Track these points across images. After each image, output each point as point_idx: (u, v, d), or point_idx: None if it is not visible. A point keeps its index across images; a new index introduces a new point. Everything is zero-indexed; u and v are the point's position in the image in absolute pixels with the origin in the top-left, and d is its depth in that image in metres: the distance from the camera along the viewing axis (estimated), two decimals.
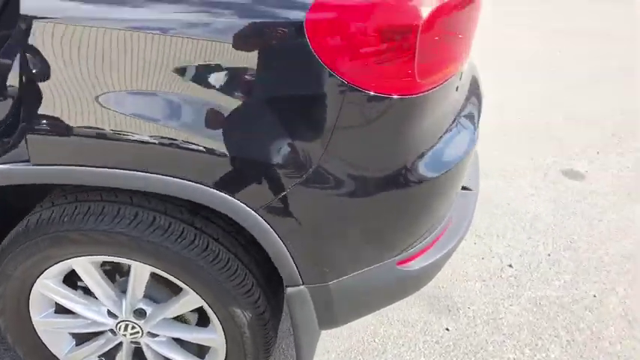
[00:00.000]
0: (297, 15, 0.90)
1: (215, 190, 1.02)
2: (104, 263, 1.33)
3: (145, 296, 1.32)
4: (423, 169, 1.08)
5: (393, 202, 1.09)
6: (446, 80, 1.07)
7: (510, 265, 2.28)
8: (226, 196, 1.03)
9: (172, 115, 0.98)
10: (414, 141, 1.06)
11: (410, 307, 2.03)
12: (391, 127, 1.01)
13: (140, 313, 1.33)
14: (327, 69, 0.92)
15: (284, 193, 1.03)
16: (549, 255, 2.35)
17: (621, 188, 2.91)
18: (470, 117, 1.34)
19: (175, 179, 1.02)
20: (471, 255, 2.34)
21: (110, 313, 1.35)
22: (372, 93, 0.95)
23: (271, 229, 1.06)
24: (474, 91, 1.51)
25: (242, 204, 1.03)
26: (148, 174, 1.02)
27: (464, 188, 1.53)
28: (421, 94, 0.99)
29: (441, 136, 1.14)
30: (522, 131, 3.52)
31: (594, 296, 2.12)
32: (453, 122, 1.20)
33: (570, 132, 3.54)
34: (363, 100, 0.96)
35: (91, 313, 1.36)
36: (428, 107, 1.04)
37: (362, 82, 0.94)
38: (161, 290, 1.33)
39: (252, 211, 1.04)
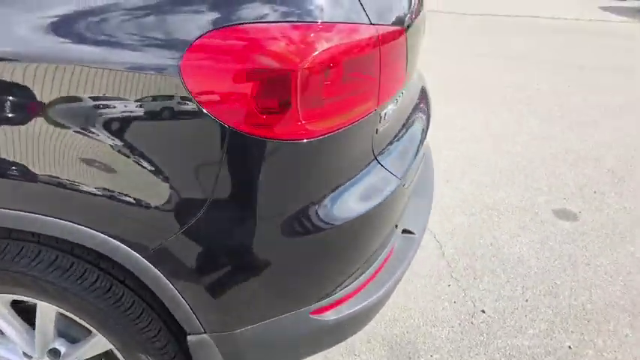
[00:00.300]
0: (175, 56, 0.87)
1: (99, 233, 0.99)
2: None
3: (61, 335, 1.28)
4: (322, 215, 1.02)
5: (290, 250, 1.03)
6: (355, 121, 1.02)
7: (483, 311, 2.16)
8: (110, 239, 0.99)
9: (53, 155, 0.96)
10: (311, 186, 1.01)
11: (369, 351, 1.93)
12: (281, 172, 0.96)
13: (55, 353, 1.29)
14: (209, 113, 0.89)
15: (172, 238, 0.98)
16: (527, 301, 2.22)
17: (615, 230, 2.76)
18: (403, 153, 1.28)
19: (58, 220, 0.99)
20: (442, 298, 2.23)
21: (25, 353, 1.32)
22: (256, 137, 0.91)
23: (161, 275, 1.01)
24: (419, 111, 1.48)
25: (128, 248, 0.99)
26: (27, 213, 0.99)
27: (406, 231, 1.46)
28: (314, 139, 0.95)
29: (351, 178, 1.09)
30: (517, 166, 3.41)
31: (569, 347, 1.98)
32: (370, 162, 1.14)
33: (567, 169, 3.41)
34: (248, 144, 0.92)
35: (6, 352, 1.33)
36: (326, 151, 0.99)
37: (244, 126, 0.90)
38: (77, 330, 1.29)
39: (139, 256, 1.00)
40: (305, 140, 0.94)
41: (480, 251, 2.54)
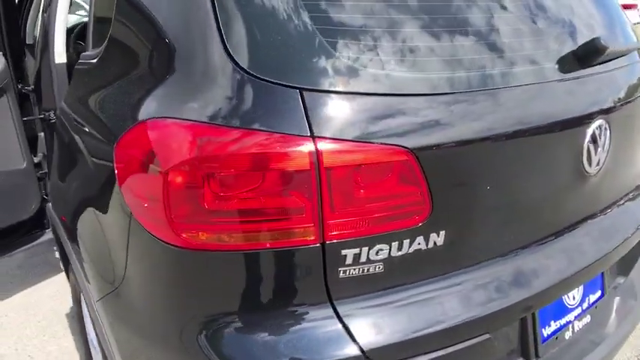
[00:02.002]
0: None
1: None
2: None
3: None
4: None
5: None
6: (270, 247, 0.89)
7: None
8: None
9: None
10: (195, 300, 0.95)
11: None
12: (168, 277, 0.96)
13: None
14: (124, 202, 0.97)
15: None
16: None
17: None
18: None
19: None
20: None
21: None
22: (147, 233, 0.93)
23: None
24: None
25: None
26: None
27: None
28: (189, 250, 0.90)
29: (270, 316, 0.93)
30: None
31: None
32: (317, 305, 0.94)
33: None
34: (144, 239, 0.95)
35: None
36: (211, 267, 0.92)
37: (139, 219, 0.95)
38: None
39: None
40: (181, 249, 0.90)
41: None
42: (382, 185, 0.91)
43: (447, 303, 1.02)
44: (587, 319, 1.37)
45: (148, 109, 0.97)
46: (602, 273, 1.42)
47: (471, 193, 1.01)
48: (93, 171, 1.19)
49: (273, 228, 0.89)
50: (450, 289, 1.03)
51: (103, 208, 1.10)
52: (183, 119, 0.89)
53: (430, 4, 1.03)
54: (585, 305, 1.37)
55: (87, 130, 1.27)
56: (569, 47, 1.18)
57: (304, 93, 0.87)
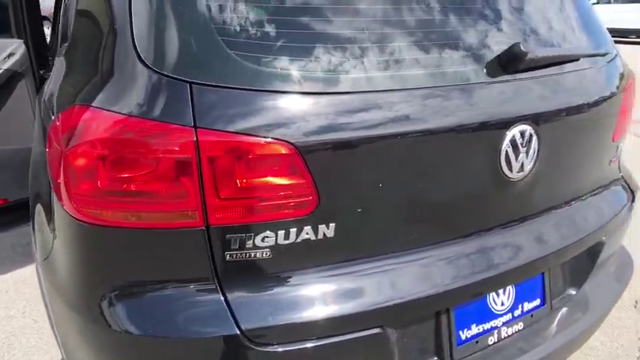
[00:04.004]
0: None
1: None
2: None
3: None
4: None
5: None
6: (157, 227, 0.98)
7: None
8: None
9: None
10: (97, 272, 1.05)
11: None
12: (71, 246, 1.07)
13: None
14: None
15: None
16: None
17: None
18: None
19: None
20: None
21: None
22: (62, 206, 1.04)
23: None
24: None
25: None
26: None
27: None
28: (88, 224, 0.99)
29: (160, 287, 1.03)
30: None
31: None
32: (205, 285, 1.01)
33: None
34: (60, 212, 1.07)
35: None
36: (106, 241, 1.01)
37: (56, 192, 1.06)
38: None
39: None
40: (83, 223, 1.00)
41: None
42: (265, 176, 0.97)
43: (337, 293, 1.06)
44: (518, 326, 1.35)
45: (67, 97, 1.10)
46: (543, 281, 1.40)
47: (363, 188, 1.04)
48: (38, 150, 1.34)
49: (161, 210, 0.97)
50: (342, 279, 1.07)
51: (43, 185, 1.23)
52: (87, 105, 0.99)
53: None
54: (518, 312, 1.35)
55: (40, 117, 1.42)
56: (497, 51, 1.18)
57: (193, 87, 0.94)
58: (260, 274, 1.03)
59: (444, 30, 1.14)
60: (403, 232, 1.12)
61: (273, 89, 0.97)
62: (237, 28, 0.99)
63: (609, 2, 15.58)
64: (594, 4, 15.85)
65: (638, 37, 15.01)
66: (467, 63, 1.14)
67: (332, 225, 1.02)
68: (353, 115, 1.00)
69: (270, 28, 1.01)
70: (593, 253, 1.49)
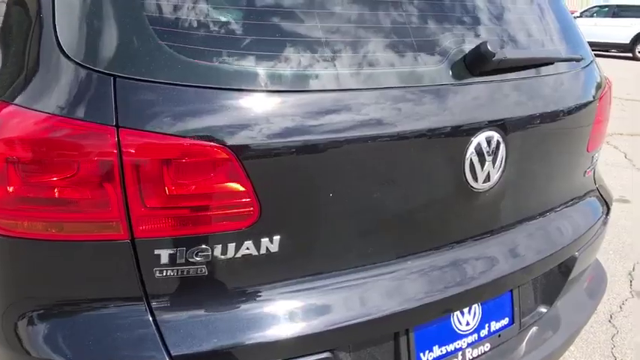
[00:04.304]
0: None
1: None
2: None
3: None
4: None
5: None
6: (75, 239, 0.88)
7: None
8: None
9: None
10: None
11: None
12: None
13: None
14: None
15: None
16: None
17: None
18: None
19: None
20: None
21: None
22: None
23: None
24: None
25: None
26: None
27: None
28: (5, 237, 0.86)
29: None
30: None
31: None
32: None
33: None
34: None
35: None
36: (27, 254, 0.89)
37: None
38: None
39: None
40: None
41: None
42: (198, 184, 0.86)
43: (282, 314, 0.95)
44: (484, 347, 1.26)
45: None
46: (512, 299, 1.31)
47: (312, 198, 0.94)
48: None
49: (82, 220, 0.86)
50: (288, 298, 0.96)
51: None
52: (4, 101, 0.87)
53: None
54: (484, 332, 1.26)
55: None
56: (463, 51, 1.09)
57: (117, 81, 0.83)
58: (195, 294, 0.92)
59: (403, 26, 1.04)
60: (358, 246, 1.03)
61: (210, 86, 0.87)
62: (173, 17, 0.89)
63: (592, 16, 15.86)
64: (577, 17, 16.12)
65: (618, 51, 15.29)
66: (429, 63, 1.05)
67: (276, 238, 0.92)
68: (300, 117, 0.91)
69: (207, 18, 0.91)
70: (565, 269, 1.41)
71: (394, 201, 1.03)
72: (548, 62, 1.24)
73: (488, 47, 1.03)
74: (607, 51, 15.72)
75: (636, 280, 2.88)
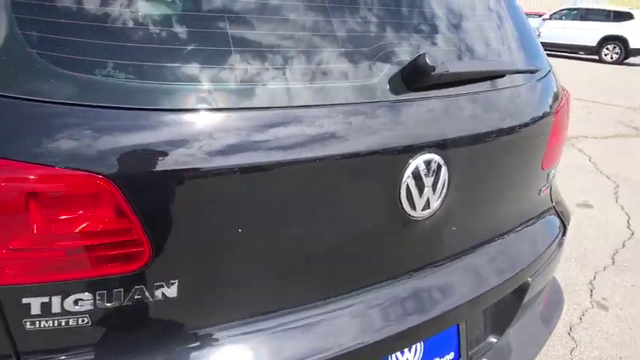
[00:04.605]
0: None
1: None
2: None
3: None
4: None
5: None
6: None
7: None
8: None
9: None
10: None
11: None
12: None
13: None
14: None
15: None
16: None
17: None
18: None
19: None
20: None
21: None
22: None
23: None
24: None
25: None
26: None
27: None
28: None
29: None
30: None
31: None
32: None
33: None
34: None
35: None
36: None
37: None
38: None
39: None
40: None
41: None
42: (73, 221, 0.72)
43: None
44: None
45: None
46: (458, 331, 1.21)
47: (215, 234, 0.81)
48: None
49: None
50: (188, 352, 0.83)
51: None
52: None
53: None
54: None
55: None
56: (402, 64, 0.97)
57: None
58: (76, 349, 0.78)
59: (332, 34, 0.91)
60: (276, 288, 0.90)
61: (87, 104, 0.72)
62: (48, 20, 0.74)
63: (561, 19, 16.13)
64: (546, 19, 16.37)
65: (586, 53, 15.59)
66: (359, 76, 0.92)
67: (174, 282, 0.78)
68: (196, 141, 0.77)
69: (91, 23, 0.76)
70: (518, 294, 1.32)
71: (318, 235, 0.90)
72: (498, 75, 1.13)
73: (427, 60, 0.90)
74: (575, 53, 16.02)
75: (597, 290, 2.84)
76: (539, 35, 15.21)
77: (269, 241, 0.85)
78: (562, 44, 15.62)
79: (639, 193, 4.31)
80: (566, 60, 15.26)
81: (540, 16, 17.62)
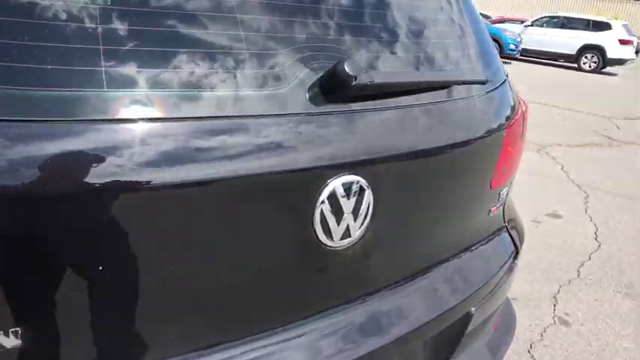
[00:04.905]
0: None
1: None
2: None
3: None
4: None
5: None
6: None
7: None
8: None
9: None
10: None
11: None
12: None
13: None
14: None
15: None
16: None
17: None
18: None
19: None
20: None
21: None
22: None
23: None
24: None
25: None
26: None
27: None
28: None
29: None
30: None
31: None
32: None
33: None
34: None
35: None
36: None
37: None
38: None
39: None
40: None
41: None
42: None
43: None
44: None
45: None
46: None
47: (77, 271, 0.67)
48: None
49: None
50: None
51: None
52: None
53: None
54: None
55: None
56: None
57: None
58: None
59: (234, 32, 0.78)
60: (173, 334, 0.76)
61: None
62: None
63: (542, 26, 16.27)
64: (528, 25, 16.48)
65: (565, 61, 15.74)
66: (272, 85, 0.79)
67: (14, 331, 0.64)
68: (55, 158, 0.62)
69: None
70: (460, 324, 1.21)
71: (222, 270, 0.77)
72: (439, 87, 1.01)
73: (346, 69, 0.78)
74: (555, 60, 16.16)
75: (560, 304, 2.77)
76: (520, 41, 15.31)
77: (145, 279, 0.71)
78: (543, 51, 15.76)
79: (609, 204, 4.28)
80: (545, 67, 15.41)
81: (522, 22, 17.74)
